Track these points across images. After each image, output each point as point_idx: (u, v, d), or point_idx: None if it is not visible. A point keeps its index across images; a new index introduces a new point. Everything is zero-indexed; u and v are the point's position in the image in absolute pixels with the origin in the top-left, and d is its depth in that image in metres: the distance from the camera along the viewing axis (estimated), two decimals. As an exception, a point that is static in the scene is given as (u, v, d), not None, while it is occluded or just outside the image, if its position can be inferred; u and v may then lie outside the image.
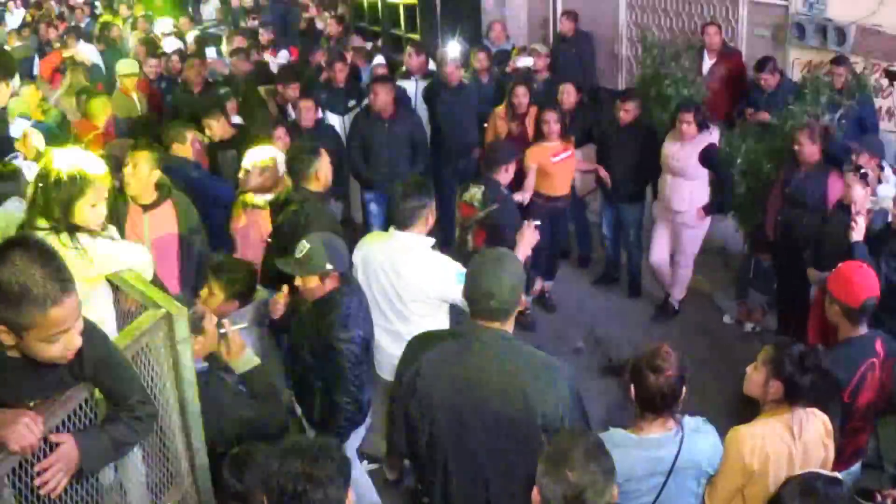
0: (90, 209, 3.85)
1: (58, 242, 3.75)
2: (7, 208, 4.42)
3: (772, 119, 8.18)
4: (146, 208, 5.53)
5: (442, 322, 5.14)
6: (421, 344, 3.85)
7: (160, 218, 5.56)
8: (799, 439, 3.86)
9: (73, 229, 3.80)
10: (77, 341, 2.66)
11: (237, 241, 6.37)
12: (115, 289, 3.91)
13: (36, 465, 2.66)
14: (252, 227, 6.31)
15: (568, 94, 8.57)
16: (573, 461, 2.81)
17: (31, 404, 2.75)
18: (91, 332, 2.82)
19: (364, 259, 5.22)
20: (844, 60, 8.25)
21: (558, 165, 7.88)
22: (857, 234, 5.62)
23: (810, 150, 6.71)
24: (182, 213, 5.62)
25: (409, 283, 5.03)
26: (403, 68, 10.18)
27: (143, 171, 5.45)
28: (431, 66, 10.27)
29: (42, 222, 3.81)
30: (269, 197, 6.25)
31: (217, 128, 7.92)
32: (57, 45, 13.55)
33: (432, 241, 5.18)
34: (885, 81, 8.40)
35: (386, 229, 8.27)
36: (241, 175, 6.39)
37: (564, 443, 2.93)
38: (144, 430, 3.05)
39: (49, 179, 3.80)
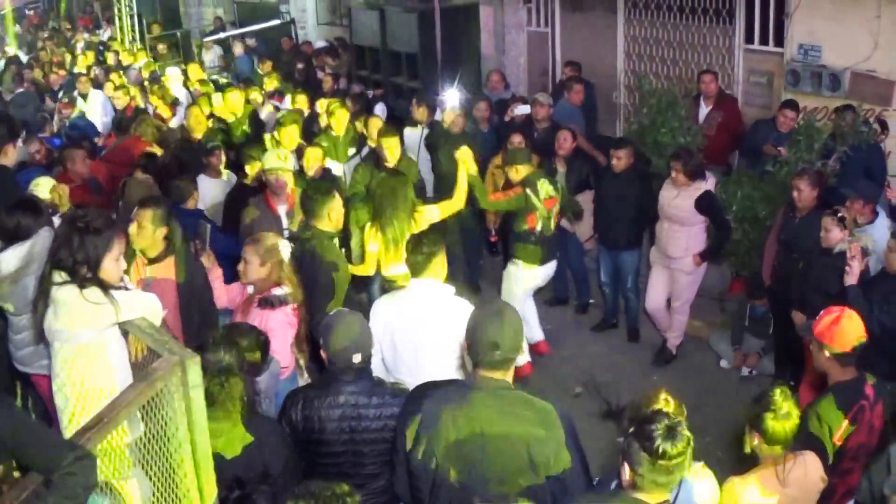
0: (114, 263, 3.97)
1: (80, 297, 3.86)
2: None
3: (766, 165, 8.31)
4: (151, 261, 5.71)
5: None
6: (422, 394, 3.92)
7: (161, 270, 5.73)
8: (786, 485, 3.99)
9: (100, 283, 3.90)
10: None
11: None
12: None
13: None
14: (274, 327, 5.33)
15: (564, 140, 8.68)
16: None
17: None
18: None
19: (385, 321, 5.10)
20: (852, 109, 8.28)
21: None
22: (852, 277, 5.72)
23: (808, 195, 6.80)
24: (182, 265, 5.78)
25: (431, 328, 4.98)
26: (412, 118, 10.26)
27: (147, 230, 5.63)
28: (437, 115, 10.39)
29: (59, 276, 3.91)
30: (280, 292, 5.43)
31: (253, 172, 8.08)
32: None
33: (452, 289, 5.22)
34: (878, 126, 8.51)
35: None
36: (240, 267, 5.55)
37: None
38: (85, 487, 2.86)
39: (75, 236, 3.91)
